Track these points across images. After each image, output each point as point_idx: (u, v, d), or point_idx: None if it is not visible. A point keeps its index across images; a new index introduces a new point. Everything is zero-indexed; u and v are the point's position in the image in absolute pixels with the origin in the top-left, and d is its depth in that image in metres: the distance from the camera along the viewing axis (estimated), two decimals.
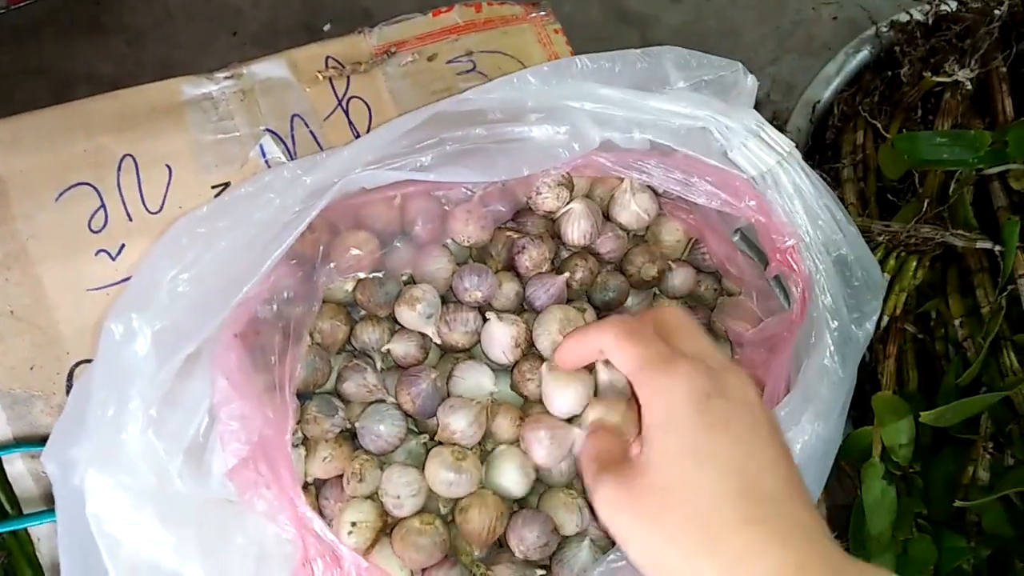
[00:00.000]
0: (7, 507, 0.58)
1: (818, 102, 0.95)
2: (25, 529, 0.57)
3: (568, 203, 0.52)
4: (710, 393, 0.38)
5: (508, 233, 0.55)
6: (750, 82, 0.50)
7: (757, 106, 1.17)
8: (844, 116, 0.94)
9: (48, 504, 0.57)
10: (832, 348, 0.46)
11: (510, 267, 0.55)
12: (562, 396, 0.48)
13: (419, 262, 0.52)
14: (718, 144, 0.47)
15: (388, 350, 0.52)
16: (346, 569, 0.42)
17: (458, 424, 0.50)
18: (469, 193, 0.51)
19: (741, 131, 0.47)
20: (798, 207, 0.46)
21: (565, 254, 0.56)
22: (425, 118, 0.47)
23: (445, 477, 0.49)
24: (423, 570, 0.48)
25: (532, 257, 0.53)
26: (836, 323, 0.46)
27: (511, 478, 0.50)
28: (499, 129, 0.48)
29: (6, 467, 0.57)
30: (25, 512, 0.57)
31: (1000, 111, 0.79)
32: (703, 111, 0.46)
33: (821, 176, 0.88)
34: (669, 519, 0.36)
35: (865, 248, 0.48)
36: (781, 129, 0.95)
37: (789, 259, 0.46)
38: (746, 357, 0.53)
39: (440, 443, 0.51)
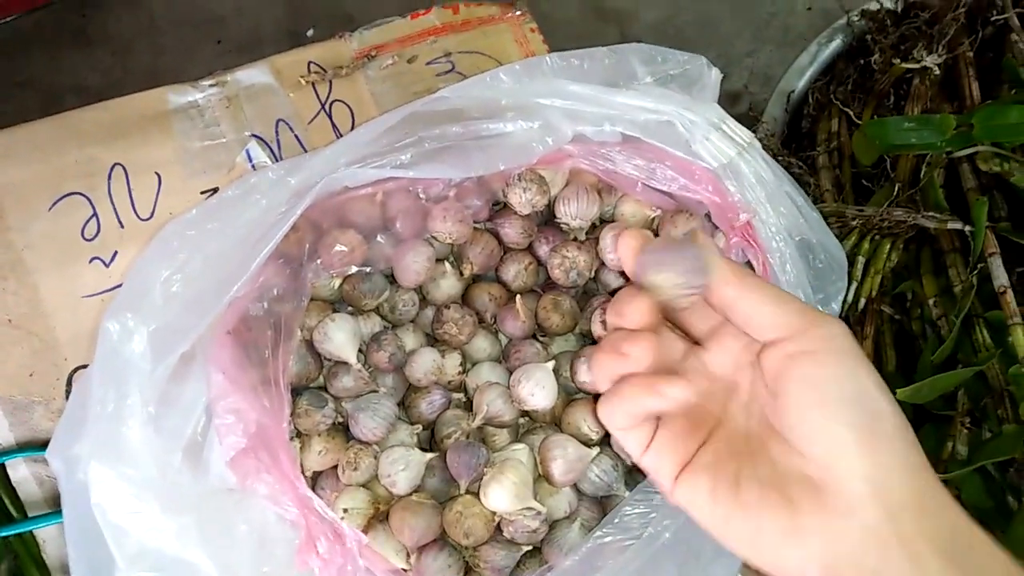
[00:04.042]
0: (12, 511, 0.59)
1: (793, 92, 0.97)
2: (31, 532, 0.58)
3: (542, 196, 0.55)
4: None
5: (487, 236, 0.57)
6: (714, 75, 0.52)
7: (735, 98, 1.20)
8: (819, 105, 0.96)
9: (52, 507, 0.59)
10: None
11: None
12: None
13: (401, 257, 0.54)
14: (683, 136, 0.49)
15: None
16: (348, 545, 0.44)
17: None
18: (447, 189, 0.53)
19: (703, 124, 0.49)
20: (760, 195, 0.48)
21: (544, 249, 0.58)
22: (403, 117, 0.49)
23: None
24: (417, 551, 0.50)
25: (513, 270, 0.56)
26: None
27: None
28: (475, 126, 0.50)
29: (9, 472, 0.59)
30: (30, 515, 0.59)
31: (968, 95, 0.81)
32: (667, 106, 0.48)
33: (798, 164, 0.91)
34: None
35: (827, 231, 0.50)
36: (757, 119, 0.98)
37: (745, 235, 0.49)
38: None
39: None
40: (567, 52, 0.53)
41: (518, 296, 0.56)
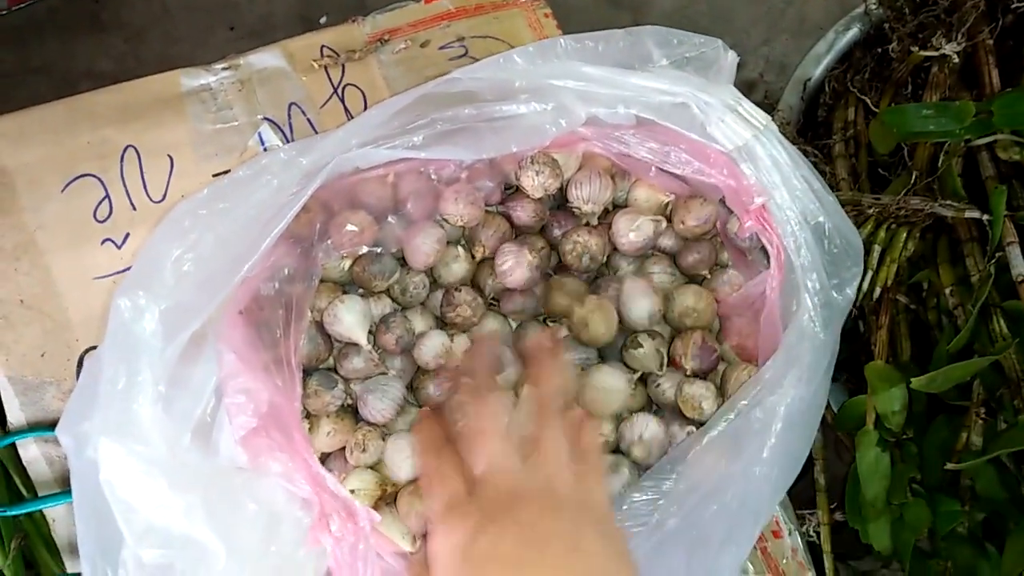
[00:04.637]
0: (23, 490, 0.59)
1: (809, 80, 0.96)
2: (40, 511, 0.59)
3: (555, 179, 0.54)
4: (479, 529, 0.39)
5: (499, 219, 0.57)
6: (730, 58, 0.51)
7: (751, 87, 1.19)
8: (835, 93, 0.95)
9: (61, 486, 0.59)
10: (812, 312, 0.47)
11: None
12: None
13: (411, 238, 0.54)
14: (698, 119, 0.49)
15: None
16: (360, 524, 0.44)
17: None
18: (459, 171, 0.53)
19: (719, 106, 0.48)
20: (775, 179, 0.48)
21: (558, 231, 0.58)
22: (416, 98, 0.49)
23: None
24: (423, 536, 0.50)
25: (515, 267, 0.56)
26: (816, 287, 0.48)
27: None
28: (488, 108, 0.50)
29: (21, 452, 0.59)
30: (40, 494, 0.59)
31: (987, 83, 0.80)
32: (682, 87, 0.48)
33: (813, 152, 0.90)
34: None
35: (843, 216, 0.49)
36: (773, 108, 0.97)
37: (761, 218, 0.48)
38: (735, 326, 0.55)
39: None
40: (582, 34, 0.53)
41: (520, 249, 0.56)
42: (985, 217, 0.73)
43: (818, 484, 0.80)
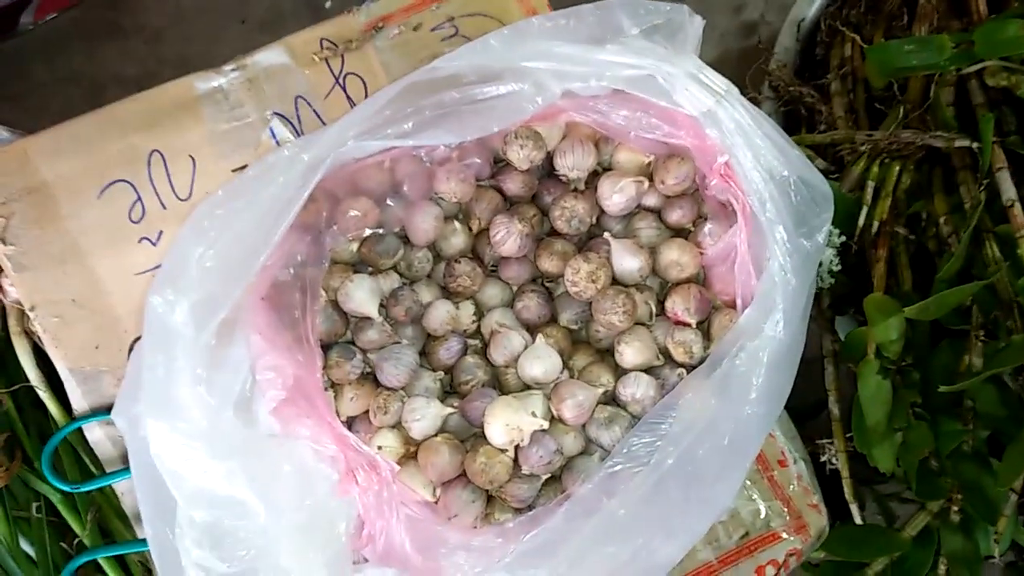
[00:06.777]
0: (92, 468, 0.67)
1: (803, 20, 0.97)
2: (110, 485, 0.66)
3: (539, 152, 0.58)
4: None
5: (491, 192, 0.61)
6: (696, 23, 0.54)
7: (752, 29, 1.19)
8: (831, 31, 0.96)
9: (125, 463, 0.66)
10: (782, 260, 0.51)
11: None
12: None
13: (411, 218, 0.59)
14: (664, 87, 0.52)
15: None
16: (383, 474, 0.49)
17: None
18: (449, 151, 0.57)
19: (682, 76, 0.51)
20: (738, 140, 0.51)
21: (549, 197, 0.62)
22: (402, 88, 0.53)
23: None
24: (443, 485, 0.56)
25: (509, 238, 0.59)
26: (784, 237, 0.51)
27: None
28: (470, 91, 0.54)
29: (87, 435, 0.66)
30: (107, 471, 0.66)
31: (975, 11, 0.80)
32: (648, 60, 0.51)
33: (809, 93, 0.92)
34: None
35: (809, 167, 0.52)
36: (768, 51, 0.99)
37: (725, 176, 0.52)
38: (718, 274, 0.59)
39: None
40: (554, 13, 0.56)
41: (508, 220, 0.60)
42: (975, 145, 0.74)
43: (833, 415, 0.83)
